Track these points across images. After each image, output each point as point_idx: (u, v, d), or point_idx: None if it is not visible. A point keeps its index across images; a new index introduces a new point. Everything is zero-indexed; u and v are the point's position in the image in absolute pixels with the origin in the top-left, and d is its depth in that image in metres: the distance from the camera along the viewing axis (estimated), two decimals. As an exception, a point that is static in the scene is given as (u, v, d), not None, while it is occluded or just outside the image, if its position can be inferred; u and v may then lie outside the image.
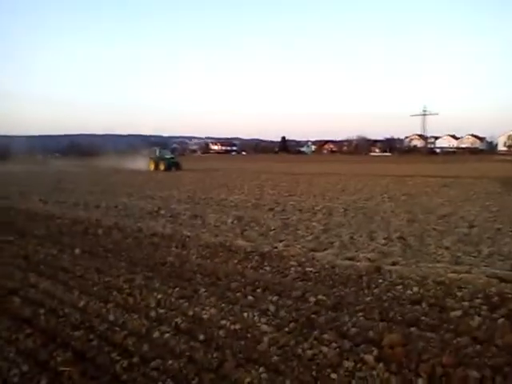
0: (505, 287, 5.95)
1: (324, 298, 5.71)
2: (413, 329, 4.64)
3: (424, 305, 5.41)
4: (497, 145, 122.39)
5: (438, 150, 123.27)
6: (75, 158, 78.18)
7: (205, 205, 16.11)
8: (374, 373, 3.77)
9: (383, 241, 9.28)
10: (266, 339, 4.47)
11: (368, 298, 5.71)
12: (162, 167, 45.03)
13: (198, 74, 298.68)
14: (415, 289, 6.03)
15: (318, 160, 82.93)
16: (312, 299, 5.68)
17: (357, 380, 3.69)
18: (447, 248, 8.53)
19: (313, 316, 5.10)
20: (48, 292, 6.17)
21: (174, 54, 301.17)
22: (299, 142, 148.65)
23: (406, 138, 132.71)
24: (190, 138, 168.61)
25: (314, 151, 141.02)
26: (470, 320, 4.88)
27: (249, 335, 4.61)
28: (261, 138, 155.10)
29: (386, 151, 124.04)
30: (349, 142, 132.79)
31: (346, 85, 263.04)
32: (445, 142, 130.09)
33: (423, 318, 4.97)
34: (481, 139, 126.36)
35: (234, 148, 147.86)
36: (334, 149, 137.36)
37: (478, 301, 5.49)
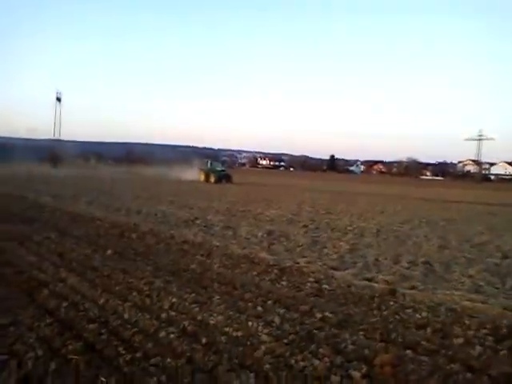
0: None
1: (331, 314, 5.84)
2: (408, 351, 4.71)
3: (429, 330, 5.43)
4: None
5: (492, 177, 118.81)
6: (128, 166, 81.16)
7: (241, 217, 16.43)
8: (358, 388, 3.90)
9: (407, 264, 9.24)
10: (263, 348, 4.67)
11: (375, 319, 5.79)
12: (212, 179, 44.94)
13: (251, 89, 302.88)
14: (424, 313, 6.05)
15: (366, 181, 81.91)
16: (318, 315, 5.82)
17: (339, 393, 3.83)
18: (471, 276, 8.40)
19: (315, 331, 5.24)
20: (74, 287, 6.62)
21: (228, 67, 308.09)
22: (348, 161, 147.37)
23: (460, 162, 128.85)
24: (240, 152, 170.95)
25: (362, 171, 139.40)
26: (470, 349, 4.88)
27: (248, 343, 4.82)
28: (309, 155, 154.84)
29: (437, 175, 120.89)
30: (399, 163, 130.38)
31: (398, 106, 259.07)
32: (500, 169, 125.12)
33: (423, 342, 5.01)
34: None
35: (282, 163, 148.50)
36: (383, 170, 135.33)
37: (485, 331, 5.45)
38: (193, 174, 48.73)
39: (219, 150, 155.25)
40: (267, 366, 4.29)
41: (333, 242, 11.66)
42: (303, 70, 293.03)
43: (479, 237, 13.85)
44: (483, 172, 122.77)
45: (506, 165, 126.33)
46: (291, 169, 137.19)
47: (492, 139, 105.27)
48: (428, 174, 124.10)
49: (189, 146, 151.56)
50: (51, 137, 79.10)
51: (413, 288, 7.42)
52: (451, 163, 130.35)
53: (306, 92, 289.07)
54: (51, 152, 76.18)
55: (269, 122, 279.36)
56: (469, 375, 4.21)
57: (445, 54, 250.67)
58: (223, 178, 45.52)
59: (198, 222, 14.60)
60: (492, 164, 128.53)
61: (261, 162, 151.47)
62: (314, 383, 4.00)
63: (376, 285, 7.51)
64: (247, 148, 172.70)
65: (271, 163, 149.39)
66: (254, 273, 8.00)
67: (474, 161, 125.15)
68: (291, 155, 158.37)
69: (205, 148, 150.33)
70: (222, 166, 52.09)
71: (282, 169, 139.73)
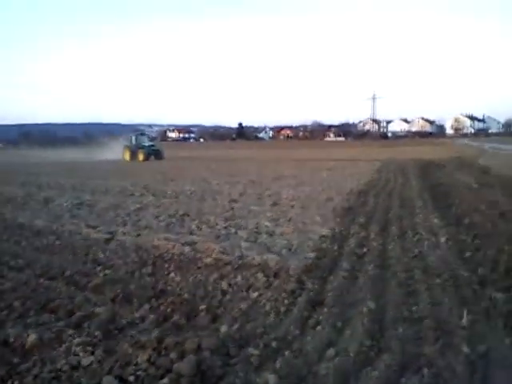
0: (178, 248, 7.50)
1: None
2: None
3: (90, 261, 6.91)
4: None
5: (390, 134, 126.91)
6: (27, 149, 76.81)
7: (77, 191, 17.33)
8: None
9: (164, 217, 10.75)
10: None
11: (59, 261, 7.15)
12: (140, 157, 40.06)
13: (159, 62, 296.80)
14: (100, 254, 7.49)
15: (265, 146, 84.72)
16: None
17: None
18: (207, 223, 10.05)
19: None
20: None
21: (143, 42, 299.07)
22: (257, 128, 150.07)
23: (360, 122, 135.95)
24: (151, 126, 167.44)
25: (271, 137, 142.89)
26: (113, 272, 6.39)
27: None
28: (221, 125, 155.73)
29: (340, 136, 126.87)
30: (304, 127, 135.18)
31: (301, 71, 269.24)
32: (397, 126, 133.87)
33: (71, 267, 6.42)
34: (430, 122, 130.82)
35: (192, 135, 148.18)
36: (290, 134, 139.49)
37: (136, 258, 7.03)
38: (112, 152, 44.11)
39: (128, 125, 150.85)
40: None
41: (128, 205, 12.95)
42: (207, 39, 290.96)
43: (278, 189, 15.79)
44: (382, 130, 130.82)
45: (401, 122, 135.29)
46: (201, 140, 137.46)
47: (384, 97, 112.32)
48: (331, 135, 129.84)
49: (93, 124, 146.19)
50: None
51: (138, 235, 8.85)
52: (353, 123, 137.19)
53: (212, 62, 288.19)
54: None
55: (180, 93, 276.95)
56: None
57: (338, 15, 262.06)
58: (153, 154, 40.84)
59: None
60: (390, 122, 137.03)
61: (170, 134, 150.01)
62: None
63: (102, 235, 8.85)
64: (159, 122, 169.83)
65: (181, 135, 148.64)
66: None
67: (373, 120, 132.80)
68: (204, 126, 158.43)
69: (111, 124, 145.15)
70: (150, 140, 46.22)
71: (192, 140, 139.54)
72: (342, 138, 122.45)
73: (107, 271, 6.44)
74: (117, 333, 4.29)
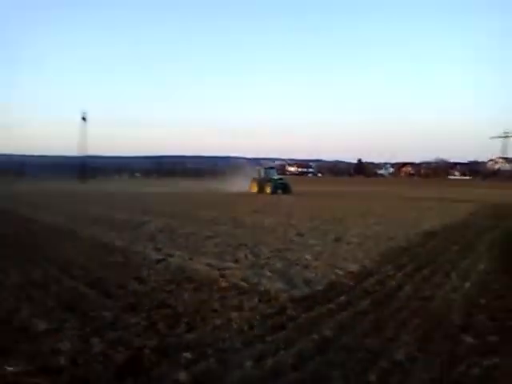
0: (210, 272, 8.41)
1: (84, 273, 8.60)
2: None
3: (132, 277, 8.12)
4: None
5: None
6: (159, 179, 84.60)
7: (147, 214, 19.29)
8: None
9: (223, 246, 11.75)
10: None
11: (111, 275, 8.49)
12: (268, 190, 40.91)
13: (281, 100, 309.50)
14: (145, 271, 8.65)
15: (380, 183, 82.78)
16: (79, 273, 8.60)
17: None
18: (256, 253, 10.83)
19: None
20: None
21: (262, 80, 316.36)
22: (378, 164, 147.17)
23: (490, 160, 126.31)
24: (273, 160, 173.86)
25: (391, 173, 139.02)
26: (141, 286, 7.53)
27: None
28: (341, 160, 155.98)
29: (465, 174, 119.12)
30: (427, 164, 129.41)
31: (425, 106, 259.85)
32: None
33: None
34: None
35: (311, 170, 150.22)
36: (411, 171, 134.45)
37: (169, 277, 8.08)
38: (238, 184, 45.92)
39: (253, 158, 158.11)
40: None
41: (202, 233, 14.27)
42: (327, 76, 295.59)
43: (348, 227, 16.04)
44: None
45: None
46: (319, 174, 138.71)
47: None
48: (457, 173, 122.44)
49: (220, 157, 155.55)
50: (78, 154, 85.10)
51: (190, 259, 9.96)
52: (482, 162, 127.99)
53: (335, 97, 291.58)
54: (80, 168, 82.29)
55: (300, 128, 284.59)
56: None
57: (467, 56, 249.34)
58: (280, 188, 41.33)
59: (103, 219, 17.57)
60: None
61: (289, 168, 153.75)
62: None
63: (160, 257, 10.12)
64: (280, 156, 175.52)
65: (299, 170, 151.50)
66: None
67: (505, 158, 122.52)
68: (322, 161, 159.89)
69: (237, 157, 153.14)
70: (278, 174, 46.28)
71: (310, 175, 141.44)
72: (467, 177, 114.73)
73: (137, 286, 7.57)
74: (108, 331, 5.30)
